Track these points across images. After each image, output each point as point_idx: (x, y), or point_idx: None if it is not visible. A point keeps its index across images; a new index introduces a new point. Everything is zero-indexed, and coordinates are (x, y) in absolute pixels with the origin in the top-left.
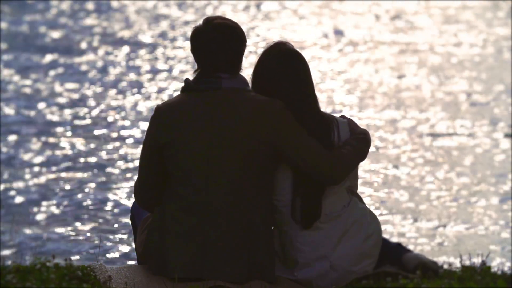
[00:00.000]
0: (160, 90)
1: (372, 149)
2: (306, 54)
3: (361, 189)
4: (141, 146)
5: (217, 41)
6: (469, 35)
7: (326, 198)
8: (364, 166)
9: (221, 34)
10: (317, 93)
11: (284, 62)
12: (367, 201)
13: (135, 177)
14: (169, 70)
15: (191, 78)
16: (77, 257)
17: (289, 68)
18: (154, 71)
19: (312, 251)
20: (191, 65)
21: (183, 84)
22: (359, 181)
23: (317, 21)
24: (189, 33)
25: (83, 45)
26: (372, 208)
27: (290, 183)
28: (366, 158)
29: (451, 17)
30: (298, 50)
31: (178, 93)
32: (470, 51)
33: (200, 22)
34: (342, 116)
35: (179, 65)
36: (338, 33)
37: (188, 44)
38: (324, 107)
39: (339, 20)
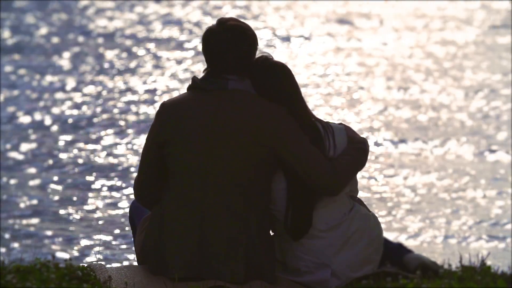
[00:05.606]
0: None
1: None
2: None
3: (361, 190)
4: (144, 143)
5: (227, 42)
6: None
7: (326, 207)
8: (365, 168)
9: (232, 35)
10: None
11: (269, 77)
12: (366, 201)
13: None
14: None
15: (199, 77)
16: (77, 257)
17: (274, 83)
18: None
19: (313, 259)
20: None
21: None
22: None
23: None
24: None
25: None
26: (370, 207)
27: (285, 195)
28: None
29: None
30: (281, 62)
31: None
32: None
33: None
34: (340, 124)
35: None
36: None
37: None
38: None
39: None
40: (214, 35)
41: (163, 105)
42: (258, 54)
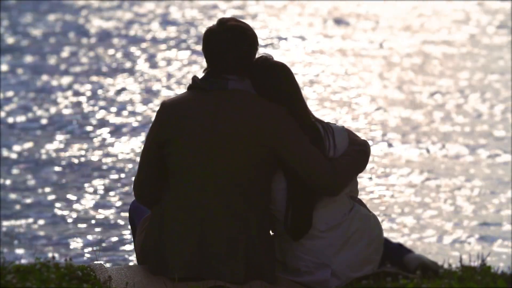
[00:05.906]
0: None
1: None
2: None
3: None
4: (143, 142)
5: (227, 42)
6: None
7: (326, 207)
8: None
9: (232, 35)
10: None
11: (269, 77)
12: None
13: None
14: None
15: (199, 76)
16: (77, 257)
17: (274, 83)
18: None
19: (313, 259)
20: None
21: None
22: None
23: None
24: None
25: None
26: (370, 207)
27: (285, 195)
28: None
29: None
30: (281, 62)
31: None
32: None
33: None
34: (342, 126)
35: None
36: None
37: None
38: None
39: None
40: (214, 35)
41: (163, 105)
42: (258, 55)
